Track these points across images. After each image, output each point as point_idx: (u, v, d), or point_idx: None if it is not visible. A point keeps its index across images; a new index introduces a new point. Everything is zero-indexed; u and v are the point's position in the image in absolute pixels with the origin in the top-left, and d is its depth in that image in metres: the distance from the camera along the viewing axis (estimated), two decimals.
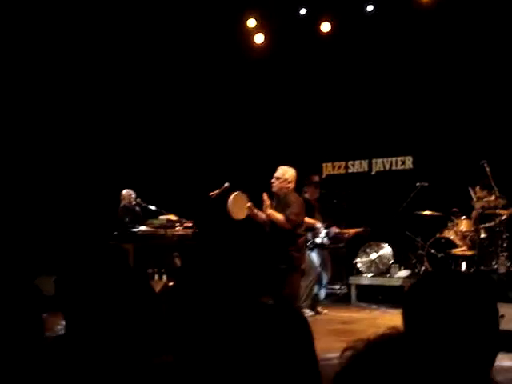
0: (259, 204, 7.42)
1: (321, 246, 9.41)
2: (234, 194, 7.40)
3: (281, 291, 7.15)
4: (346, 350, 1.18)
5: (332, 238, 9.88)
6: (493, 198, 9.36)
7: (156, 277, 9.47)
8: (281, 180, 7.49)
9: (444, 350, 1.64)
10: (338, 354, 1.22)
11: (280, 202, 7.46)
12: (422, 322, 1.73)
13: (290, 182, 7.52)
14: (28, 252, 9.75)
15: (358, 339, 1.19)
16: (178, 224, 9.94)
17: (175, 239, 9.73)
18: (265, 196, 7.32)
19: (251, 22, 12.16)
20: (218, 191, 8.12)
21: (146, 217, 10.34)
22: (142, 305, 2.00)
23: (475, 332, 1.70)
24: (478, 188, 9.68)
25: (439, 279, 1.84)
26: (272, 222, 7.34)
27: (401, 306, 1.80)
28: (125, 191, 10.52)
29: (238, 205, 7.39)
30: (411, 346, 1.19)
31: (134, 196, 10.43)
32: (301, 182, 9.04)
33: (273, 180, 7.51)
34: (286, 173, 7.55)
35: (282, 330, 1.51)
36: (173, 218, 10.03)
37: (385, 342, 1.17)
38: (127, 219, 10.28)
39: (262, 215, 7.43)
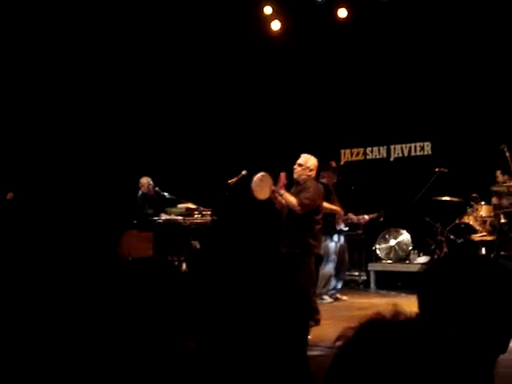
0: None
1: (339, 233, 9.41)
2: (260, 174, 7.44)
3: (295, 275, 7.20)
4: (337, 339, 1.17)
5: (349, 225, 9.87)
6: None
7: (176, 264, 9.54)
8: (303, 167, 7.56)
9: (456, 333, 1.64)
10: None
11: (298, 188, 7.49)
12: (436, 305, 1.73)
13: (311, 170, 7.60)
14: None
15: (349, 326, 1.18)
16: (196, 212, 9.98)
17: (194, 227, 9.78)
18: (282, 175, 7.38)
19: (268, 9, 12.11)
20: (235, 179, 8.15)
21: (164, 205, 10.41)
22: (167, 289, 2.02)
23: (489, 316, 1.69)
24: (498, 172, 9.62)
25: (455, 263, 1.83)
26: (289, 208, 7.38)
27: None
28: (143, 179, 10.58)
29: (263, 185, 7.45)
30: (401, 330, 1.19)
31: (152, 184, 10.48)
32: (319, 168, 9.05)
33: (295, 166, 7.58)
34: (308, 160, 7.63)
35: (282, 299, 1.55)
36: (191, 206, 10.07)
37: (373, 327, 1.16)
38: (146, 207, 10.35)
39: (281, 200, 7.47)
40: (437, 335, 1.19)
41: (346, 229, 9.70)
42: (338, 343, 1.13)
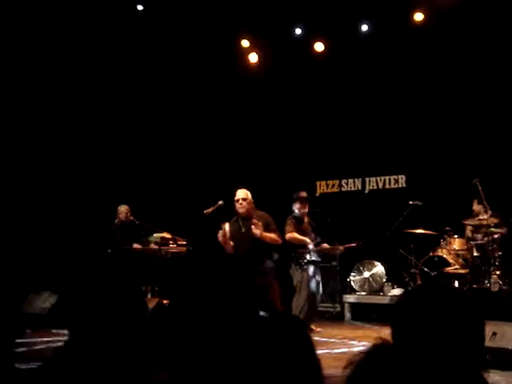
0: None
1: (313, 263, 9.39)
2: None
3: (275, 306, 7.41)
4: (346, 367, 1.24)
5: (322, 255, 9.89)
6: (485, 216, 9.43)
7: (149, 295, 9.47)
8: (248, 201, 8.03)
9: (430, 362, 1.67)
10: (332, 372, 1.28)
11: (257, 222, 7.76)
12: (409, 335, 1.76)
13: (252, 202, 8.04)
14: (20, 269, 9.72)
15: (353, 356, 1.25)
16: (171, 242, 9.95)
17: (169, 257, 9.74)
18: (226, 226, 7.71)
19: (245, 42, 12.25)
20: (211, 209, 8.16)
21: (140, 234, 10.36)
22: (136, 321, 2.02)
23: (461, 346, 1.72)
24: (475, 202, 9.74)
25: (425, 294, 1.87)
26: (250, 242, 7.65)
27: None
28: (122, 207, 10.50)
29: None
30: (399, 356, 1.25)
31: (129, 212, 10.44)
32: (290, 199, 9.18)
33: (240, 202, 7.82)
34: (248, 193, 8.05)
35: (282, 340, 1.55)
36: (167, 235, 10.04)
37: (377, 351, 1.23)
38: (121, 236, 10.26)
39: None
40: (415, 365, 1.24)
41: (319, 259, 9.71)
42: (347, 370, 1.21)
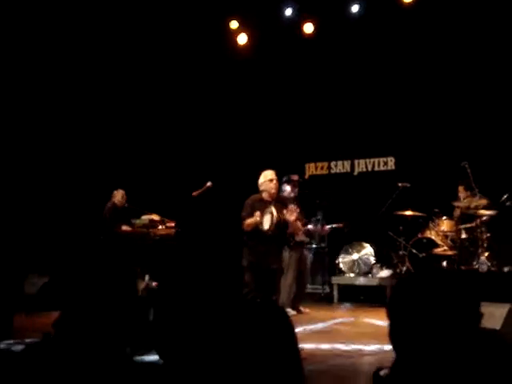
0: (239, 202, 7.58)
1: (300, 244, 9.41)
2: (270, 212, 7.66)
3: (273, 291, 7.52)
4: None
5: (310, 235, 9.92)
6: (474, 198, 9.47)
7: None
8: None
9: (427, 349, 1.67)
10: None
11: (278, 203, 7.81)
12: (406, 322, 1.76)
13: None
14: (17, 251, 9.67)
15: None
16: (160, 224, 9.94)
17: (157, 238, 9.73)
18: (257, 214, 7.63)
19: (233, 24, 12.16)
20: (200, 190, 8.15)
21: (129, 216, 10.33)
22: (126, 303, 2.01)
23: (459, 326, 1.73)
24: (461, 188, 9.78)
25: (421, 280, 1.87)
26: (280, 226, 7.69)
27: (382, 306, 1.83)
28: (118, 192, 10.45)
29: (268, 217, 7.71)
30: None
31: (125, 197, 10.39)
32: (280, 181, 9.15)
33: (275, 182, 7.86)
34: None
35: (266, 326, 1.54)
36: (155, 217, 10.03)
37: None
38: (110, 218, 10.21)
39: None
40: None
41: (307, 240, 9.74)
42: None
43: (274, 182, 7.85)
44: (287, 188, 9.35)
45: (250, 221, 7.65)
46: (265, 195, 7.86)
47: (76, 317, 1.93)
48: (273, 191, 7.83)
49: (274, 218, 7.65)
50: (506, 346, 1.61)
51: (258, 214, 7.56)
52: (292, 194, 9.31)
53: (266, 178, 7.88)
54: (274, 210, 7.63)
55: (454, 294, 1.76)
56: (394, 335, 1.75)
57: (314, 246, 10.79)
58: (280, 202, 7.98)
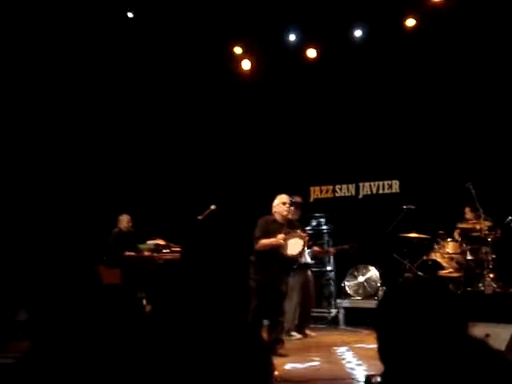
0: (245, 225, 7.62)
1: (305, 266, 9.43)
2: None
3: (279, 313, 7.58)
4: None
5: (315, 258, 9.94)
6: (479, 220, 9.46)
7: (144, 301, 9.45)
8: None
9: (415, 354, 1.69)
10: None
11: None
12: (392, 331, 1.78)
13: None
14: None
15: None
16: (166, 248, 9.96)
17: (162, 263, 9.74)
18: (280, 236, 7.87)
19: (237, 49, 12.28)
20: (204, 213, 8.19)
21: (134, 241, 10.34)
22: (134, 326, 2.03)
23: (444, 334, 1.74)
24: (467, 209, 9.79)
25: (406, 289, 1.90)
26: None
27: None
28: (124, 216, 10.45)
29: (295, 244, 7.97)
30: None
31: (131, 222, 10.40)
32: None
33: (288, 206, 8.14)
34: None
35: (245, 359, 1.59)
36: (161, 242, 10.05)
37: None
38: (116, 244, 10.23)
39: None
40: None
41: (312, 262, 9.76)
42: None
43: (287, 205, 8.10)
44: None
45: (266, 241, 7.75)
46: (277, 217, 8.00)
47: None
48: (285, 213, 8.06)
49: (304, 245, 7.87)
50: (493, 354, 1.63)
51: (281, 236, 7.68)
52: (295, 216, 9.37)
53: (280, 201, 8.14)
54: (303, 236, 7.80)
55: (439, 303, 1.79)
56: (381, 346, 1.78)
57: (320, 269, 10.80)
58: (292, 224, 8.11)
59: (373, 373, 1.93)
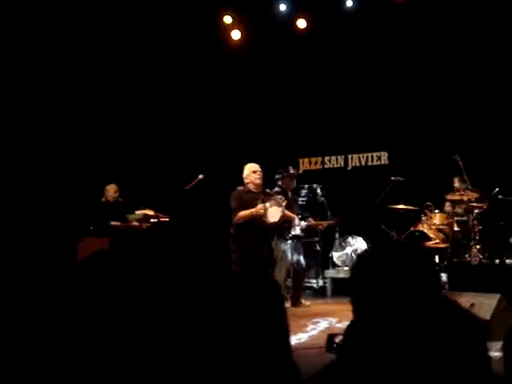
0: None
1: (296, 238, 9.47)
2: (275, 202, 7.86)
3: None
4: None
5: (306, 230, 9.96)
6: (466, 191, 9.51)
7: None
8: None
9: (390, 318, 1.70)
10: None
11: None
12: (366, 291, 1.79)
13: None
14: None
15: None
16: (154, 218, 9.94)
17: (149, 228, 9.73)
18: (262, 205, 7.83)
19: (227, 19, 12.18)
20: (192, 183, 8.19)
21: (123, 211, 10.31)
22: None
23: (419, 294, 1.76)
24: (456, 179, 9.82)
25: (379, 251, 1.91)
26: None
27: None
28: (111, 186, 10.34)
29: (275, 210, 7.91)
30: None
31: (118, 192, 10.33)
32: (278, 173, 9.25)
33: (259, 174, 8.04)
34: None
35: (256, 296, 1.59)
36: (150, 212, 10.02)
37: None
38: (101, 214, 10.17)
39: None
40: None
41: (302, 234, 9.80)
42: None
43: (258, 173, 8.03)
44: (284, 180, 9.46)
45: (246, 212, 7.73)
46: (251, 186, 7.96)
47: None
48: (258, 181, 8.00)
49: (283, 211, 7.82)
50: (465, 314, 1.64)
51: (261, 205, 7.66)
52: (292, 187, 9.46)
53: (250, 170, 8.07)
54: (282, 201, 7.78)
55: (411, 264, 1.80)
56: (354, 301, 1.79)
57: (308, 240, 10.83)
58: (267, 193, 8.08)
59: (335, 332, 1.93)
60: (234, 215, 7.79)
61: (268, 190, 8.37)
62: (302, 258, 9.67)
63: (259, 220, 7.72)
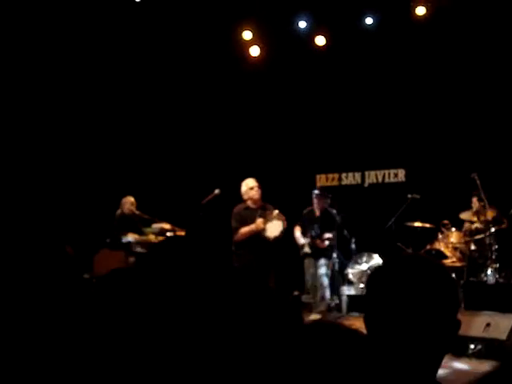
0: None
1: (312, 255, 9.50)
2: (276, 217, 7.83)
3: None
4: None
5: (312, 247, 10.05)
6: (483, 210, 9.45)
7: None
8: (259, 187, 8.17)
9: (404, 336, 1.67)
10: None
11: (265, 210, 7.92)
12: (380, 311, 1.75)
13: None
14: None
15: None
16: (171, 232, 9.96)
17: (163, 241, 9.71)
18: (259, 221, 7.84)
19: (247, 34, 12.22)
20: (208, 198, 8.21)
21: (139, 225, 10.33)
22: None
23: (429, 314, 1.70)
24: (475, 199, 9.76)
25: (395, 265, 1.85)
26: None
27: None
28: (127, 199, 10.30)
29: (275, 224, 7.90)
30: None
31: (135, 204, 10.31)
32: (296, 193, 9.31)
33: (256, 189, 8.03)
34: None
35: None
36: (166, 226, 10.04)
37: None
38: (117, 227, 10.19)
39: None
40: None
41: (309, 251, 9.92)
42: None
43: (256, 188, 8.07)
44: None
45: (246, 229, 7.75)
46: (250, 203, 7.99)
47: None
48: (256, 197, 8.05)
49: (284, 226, 7.79)
50: None
51: (260, 221, 7.66)
52: (325, 206, 9.57)
53: (248, 187, 8.13)
54: (281, 216, 7.75)
55: (430, 280, 1.73)
56: (367, 317, 1.77)
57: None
58: (265, 208, 8.09)
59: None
60: (235, 233, 7.86)
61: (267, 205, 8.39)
62: (320, 277, 9.74)
63: (260, 236, 7.75)
